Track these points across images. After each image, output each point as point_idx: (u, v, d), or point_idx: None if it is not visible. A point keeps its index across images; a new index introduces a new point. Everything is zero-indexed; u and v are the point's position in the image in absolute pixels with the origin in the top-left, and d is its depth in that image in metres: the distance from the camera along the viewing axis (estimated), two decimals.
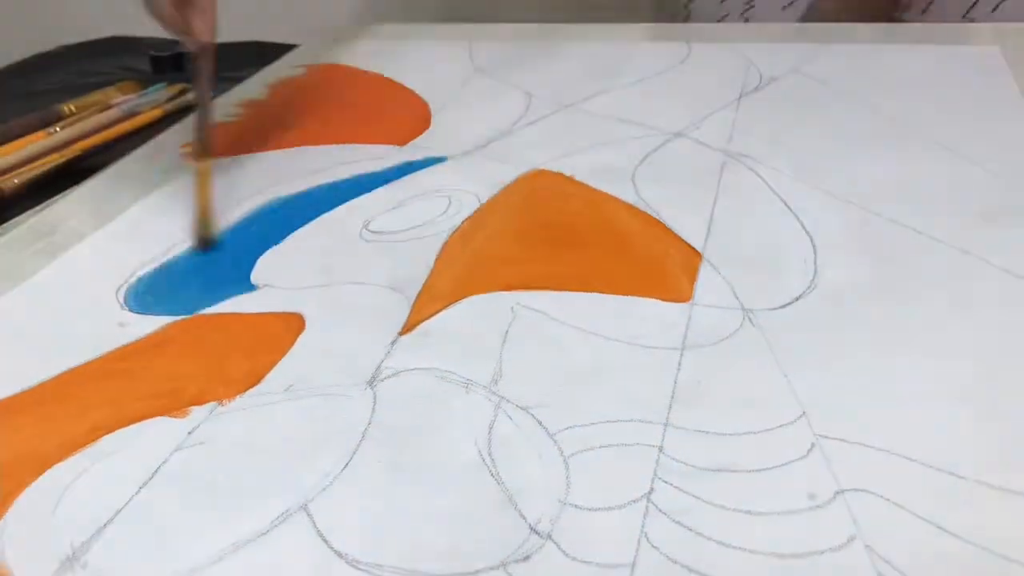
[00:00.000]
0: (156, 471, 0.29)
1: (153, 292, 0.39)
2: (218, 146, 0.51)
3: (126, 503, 0.28)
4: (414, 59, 0.68)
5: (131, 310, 0.38)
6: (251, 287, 0.39)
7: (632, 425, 0.29)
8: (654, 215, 0.42)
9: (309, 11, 0.96)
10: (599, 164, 0.47)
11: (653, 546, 0.25)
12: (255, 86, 0.65)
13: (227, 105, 0.61)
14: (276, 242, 0.43)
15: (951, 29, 0.63)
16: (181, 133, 0.57)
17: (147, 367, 0.34)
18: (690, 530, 0.25)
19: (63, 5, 1.14)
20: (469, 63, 0.65)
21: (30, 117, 0.64)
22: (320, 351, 0.35)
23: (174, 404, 0.32)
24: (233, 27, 0.82)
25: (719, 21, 0.75)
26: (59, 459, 0.30)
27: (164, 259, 0.42)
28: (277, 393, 0.32)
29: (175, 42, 0.64)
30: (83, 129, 0.61)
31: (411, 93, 0.61)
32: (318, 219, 0.45)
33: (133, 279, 0.40)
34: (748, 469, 0.27)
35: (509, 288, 0.37)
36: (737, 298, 0.36)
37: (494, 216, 0.43)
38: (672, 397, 0.30)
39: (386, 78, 0.64)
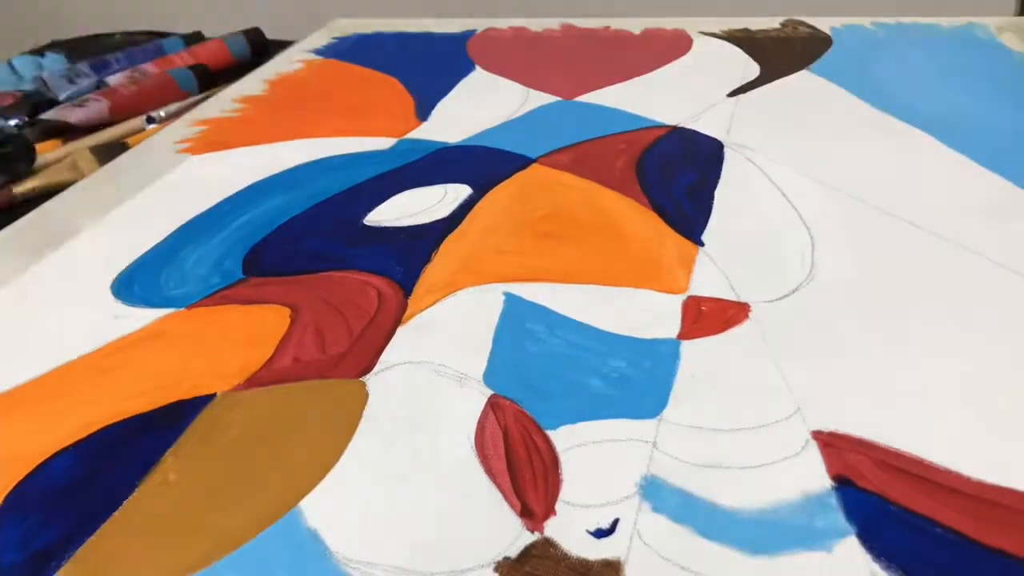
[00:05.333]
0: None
1: (146, 285, 0.39)
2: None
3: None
4: (412, 53, 0.67)
5: (125, 303, 0.38)
6: (244, 277, 0.39)
7: (625, 420, 0.29)
8: (651, 207, 0.42)
9: (307, 7, 0.96)
10: (596, 156, 0.47)
11: (645, 543, 0.24)
12: (254, 82, 0.64)
13: (226, 100, 0.61)
14: (270, 231, 0.43)
15: (954, 23, 0.62)
16: (173, 132, 0.57)
17: (140, 362, 0.34)
18: (683, 527, 0.25)
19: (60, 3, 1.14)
20: (467, 56, 0.65)
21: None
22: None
23: (167, 399, 0.32)
24: (233, 24, 0.82)
25: None
26: (51, 455, 0.30)
27: (156, 252, 0.42)
28: (269, 387, 0.32)
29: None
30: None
31: (408, 86, 0.60)
32: (313, 208, 0.45)
33: (126, 272, 0.40)
34: (741, 465, 0.27)
35: (504, 280, 0.37)
36: (733, 290, 0.35)
37: (490, 208, 0.43)
38: (666, 391, 0.30)
39: (383, 72, 0.64)
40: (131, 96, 0.64)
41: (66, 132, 0.61)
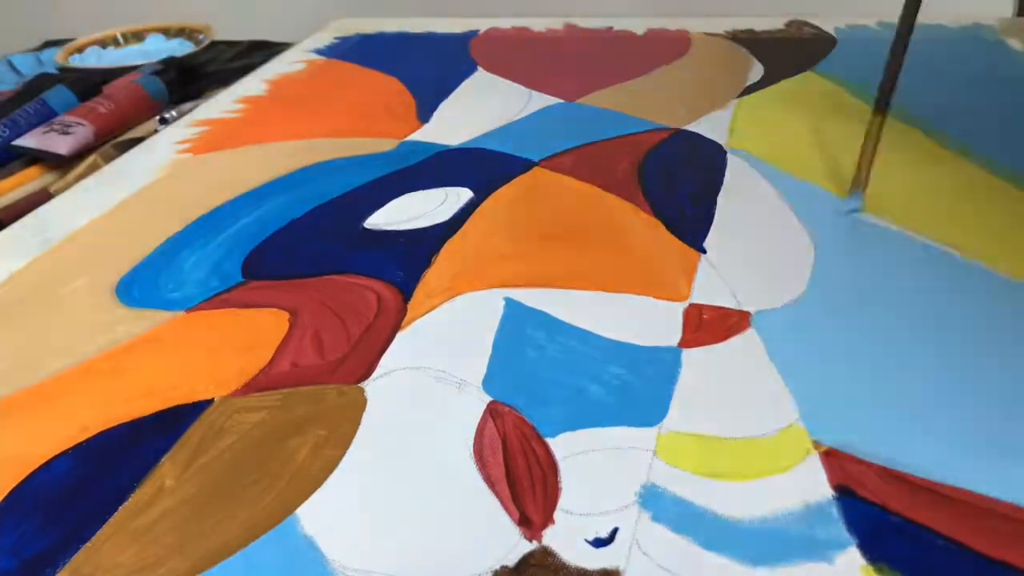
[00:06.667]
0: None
1: (145, 287, 0.39)
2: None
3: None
4: (414, 53, 0.67)
5: (124, 305, 0.38)
6: (243, 280, 0.39)
7: (626, 428, 0.29)
8: (653, 212, 0.41)
9: (307, 7, 0.95)
10: (599, 159, 0.47)
11: (644, 553, 0.24)
12: (254, 82, 0.64)
13: (227, 101, 0.61)
14: (270, 233, 0.42)
15: (960, 24, 0.62)
16: (173, 133, 0.57)
17: (138, 366, 0.34)
18: (683, 537, 0.25)
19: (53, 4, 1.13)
20: (469, 57, 0.65)
21: None
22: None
23: (165, 404, 0.32)
24: (234, 24, 0.82)
25: None
26: (48, 460, 0.30)
27: (155, 255, 0.42)
28: (269, 392, 0.32)
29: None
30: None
31: (409, 87, 0.60)
32: (314, 211, 0.44)
33: (125, 275, 0.40)
34: (742, 474, 0.27)
35: (505, 285, 0.37)
36: (735, 298, 0.35)
37: (491, 212, 0.43)
38: (667, 399, 0.30)
39: (384, 73, 0.63)
40: (110, 115, 0.63)
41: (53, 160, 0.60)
